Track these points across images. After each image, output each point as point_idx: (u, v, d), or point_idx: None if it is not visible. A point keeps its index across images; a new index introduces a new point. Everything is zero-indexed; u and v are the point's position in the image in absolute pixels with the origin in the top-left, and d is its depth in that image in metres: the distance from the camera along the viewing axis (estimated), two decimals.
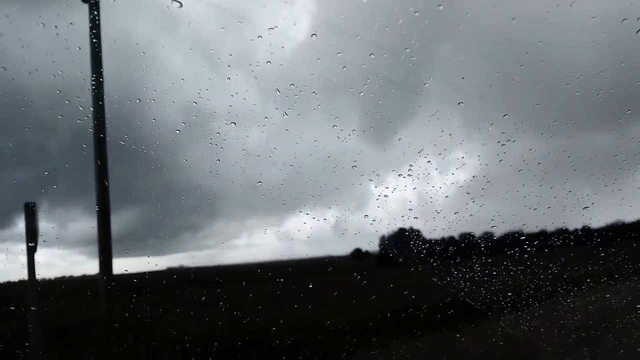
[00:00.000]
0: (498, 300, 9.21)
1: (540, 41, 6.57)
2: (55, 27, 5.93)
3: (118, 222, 10.01)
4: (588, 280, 9.54)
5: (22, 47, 6.00)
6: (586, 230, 8.75)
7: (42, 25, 5.82)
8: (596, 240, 8.84)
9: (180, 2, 5.57)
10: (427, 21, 6.30)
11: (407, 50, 6.63)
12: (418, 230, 9.67)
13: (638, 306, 8.84)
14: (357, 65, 7.02)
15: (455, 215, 8.39)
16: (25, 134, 7.22)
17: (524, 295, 9.34)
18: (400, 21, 6.45)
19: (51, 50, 6.19)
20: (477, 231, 9.47)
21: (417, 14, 6.04)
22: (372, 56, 6.79)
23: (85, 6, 8.05)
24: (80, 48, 7.55)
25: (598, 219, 8.18)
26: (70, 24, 6.18)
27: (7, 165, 8.47)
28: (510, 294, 9.27)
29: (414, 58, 6.77)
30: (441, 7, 6.05)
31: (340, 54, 6.68)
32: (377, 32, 6.85)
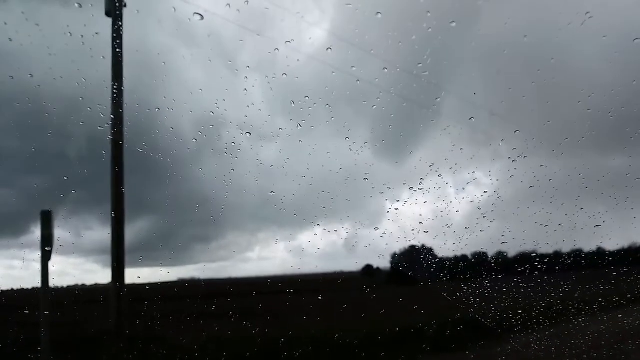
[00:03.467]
0: (508, 318, 9.14)
1: (552, 59, 6.64)
2: (82, 36, 6.17)
3: (133, 231, 10.15)
4: (600, 299, 9.43)
5: (50, 55, 6.24)
6: (598, 248, 8.71)
7: (69, 34, 6.05)
8: (608, 259, 8.77)
9: (202, 15, 5.78)
10: (439, 38, 6.44)
11: (420, 65, 6.76)
12: (429, 246, 9.67)
13: None
14: (371, 79, 7.16)
15: (466, 230, 8.41)
16: (47, 140, 7.43)
17: (535, 313, 9.26)
18: (414, 37, 6.60)
19: (76, 58, 6.43)
20: (488, 247, 9.46)
21: (430, 30, 6.17)
22: (386, 71, 6.95)
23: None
24: (104, 57, 7.82)
25: (610, 237, 8.14)
26: (96, 33, 6.43)
27: (28, 170, 8.68)
28: (520, 312, 9.20)
29: (427, 73, 6.89)
30: (454, 25, 6.19)
31: (354, 68, 6.84)
32: (390, 48, 7.00)
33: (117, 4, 8.45)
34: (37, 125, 7.44)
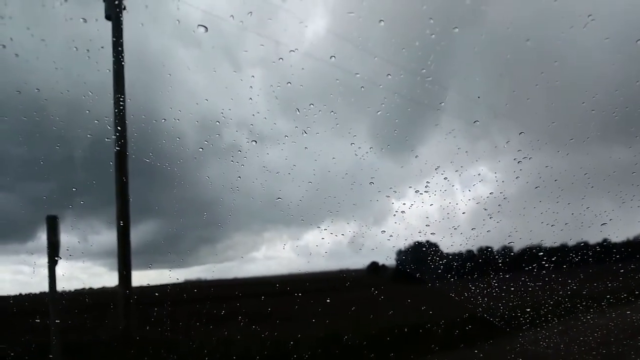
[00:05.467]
0: (516, 316, 9.17)
1: (555, 61, 6.67)
2: (87, 50, 6.22)
3: (141, 236, 10.23)
4: (608, 296, 9.45)
5: (56, 69, 6.28)
6: (605, 246, 8.71)
7: (75, 49, 6.11)
8: (615, 257, 8.79)
9: (206, 27, 5.83)
10: (443, 43, 6.46)
11: (424, 70, 6.79)
12: (435, 246, 9.71)
13: None
14: (375, 85, 7.19)
15: (473, 231, 8.44)
16: (55, 152, 7.49)
17: (543, 311, 9.29)
18: (417, 43, 6.63)
19: (82, 72, 6.49)
20: (495, 247, 9.48)
21: (433, 36, 6.20)
22: (389, 77, 6.98)
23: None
24: (109, 71, 7.88)
25: (617, 235, 8.16)
26: (102, 47, 6.48)
27: (37, 180, 8.76)
28: (528, 310, 9.23)
29: (430, 78, 6.92)
30: (457, 30, 6.23)
31: (358, 75, 6.86)
32: (394, 54, 7.03)
33: (117, 9, 8.49)
34: (45, 137, 7.50)
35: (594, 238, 8.58)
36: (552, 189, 7.57)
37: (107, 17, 8.56)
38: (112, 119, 7.90)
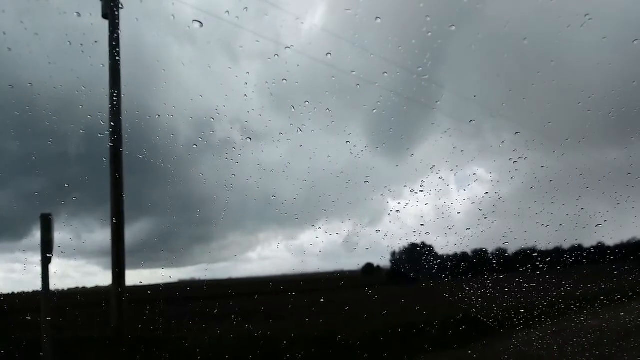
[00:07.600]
0: (510, 317, 9.18)
1: (552, 61, 6.67)
2: (81, 45, 6.16)
3: (134, 234, 10.16)
4: (601, 298, 9.48)
5: (49, 63, 6.22)
6: (599, 247, 8.73)
7: (68, 43, 6.04)
8: (609, 258, 8.81)
9: (201, 23, 5.78)
10: (439, 41, 6.44)
11: (420, 69, 6.77)
12: (430, 246, 9.70)
13: None
14: (371, 83, 7.17)
15: (468, 231, 8.42)
16: (48, 147, 7.41)
17: (537, 312, 9.30)
18: (414, 41, 6.61)
19: (76, 67, 6.42)
20: (489, 247, 9.48)
21: (429, 34, 6.17)
22: (386, 75, 6.95)
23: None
24: (103, 65, 7.81)
25: (611, 237, 8.16)
26: (95, 42, 6.42)
27: (29, 176, 8.68)
28: (522, 311, 9.24)
29: (427, 77, 6.91)
30: (453, 28, 6.20)
31: (354, 73, 6.83)
32: (390, 52, 7.01)
33: (114, 7, 8.43)
34: (38, 132, 7.43)
35: (588, 239, 8.59)
36: (547, 189, 7.58)
37: (104, 16, 8.50)
38: (105, 115, 7.83)
